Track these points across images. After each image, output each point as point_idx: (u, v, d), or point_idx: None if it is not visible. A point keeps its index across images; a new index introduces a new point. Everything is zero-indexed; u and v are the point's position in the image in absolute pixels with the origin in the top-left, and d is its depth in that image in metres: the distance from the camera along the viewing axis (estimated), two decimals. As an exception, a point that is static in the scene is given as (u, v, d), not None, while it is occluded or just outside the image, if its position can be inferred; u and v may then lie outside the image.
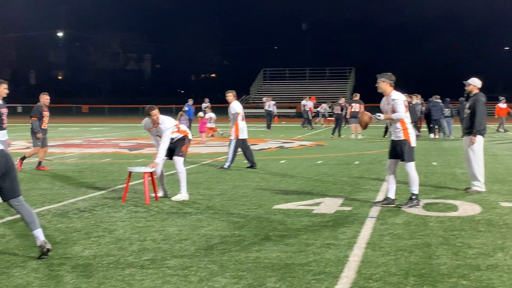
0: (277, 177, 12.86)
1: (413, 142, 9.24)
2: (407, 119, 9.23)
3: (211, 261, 6.24)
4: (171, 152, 10.18)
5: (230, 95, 14.81)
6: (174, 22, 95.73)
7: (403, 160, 9.19)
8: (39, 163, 14.50)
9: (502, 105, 31.62)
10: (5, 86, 11.19)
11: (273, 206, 9.36)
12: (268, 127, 33.45)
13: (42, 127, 14.45)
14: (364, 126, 9.81)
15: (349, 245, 6.82)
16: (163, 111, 10.52)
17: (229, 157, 14.41)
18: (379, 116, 9.39)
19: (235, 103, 14.72)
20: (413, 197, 9.17)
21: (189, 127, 25.22)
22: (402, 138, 9.19)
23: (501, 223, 8.02)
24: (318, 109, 40.82)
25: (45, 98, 14.77)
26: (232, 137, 14.47)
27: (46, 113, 14.60)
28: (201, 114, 25.54)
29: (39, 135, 14.24)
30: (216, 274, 5.80)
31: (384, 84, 9.28)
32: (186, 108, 26.89)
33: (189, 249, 6.75)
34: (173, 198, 9.96)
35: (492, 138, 24.76)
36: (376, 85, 9.34)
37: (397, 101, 9.14)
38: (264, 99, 38.20)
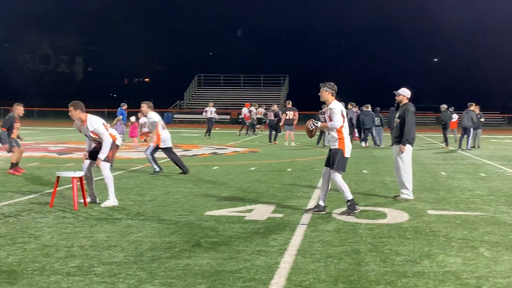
0: (210, 184, 12.81)
1: (347, 153, 9.35)
2: (345, 129, 9.36)
3: (140, 268, 6.14)
4: (94, 154, 9.99)
5: (145, 106, 14.69)
6: (108, 24, 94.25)
7: (332, 168, 9.29)
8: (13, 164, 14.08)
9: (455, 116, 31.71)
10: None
11: (205, 212, 9.30)
12: (208, 133, 32.75)
13: (11, 137, 14.08)
14: (310, 134, 9.87)
15: (280, 252, 6.83)
16: (96, 115, 10.29)
17: (151, 163, 14.47)
18: (316, 123, 9.52)
19: (152, 113, 14.60)
20: (349, 203, 9.29)
21: (124, 132, 24.91)
22: (337, 147, 9.31)
23: (428, 230, 8.19)
24: (258, 115, 40.68)
25: (19, 109, 14.41)
26: (152, 144, 14.52)
27: (17, 125, 14.28)
28: (132, 118, 25.19)
29: (6, 146, 13.79)
30: (144, 281, 5.70)
31: (326, 93, 9.43)
32: (120, 117, 26.21)
33: (118, 256, 6.62)
34: (102, 205, 9.77)
35: (421, 147, 25.39)
36: (319, 94, 9.51)
37: (334, 111, 9.26)
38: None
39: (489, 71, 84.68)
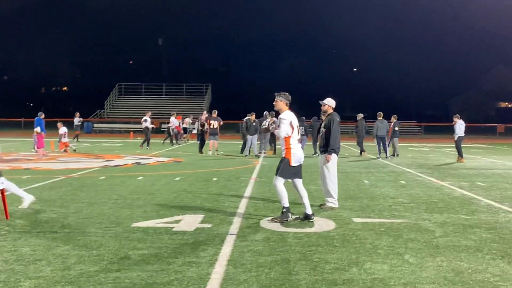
0: (135, 194, 12.64)
1: (294, 162, 9.53)
2: (293, 139, 9.55)
3: (69, 282, 6.00)
4: None
5: None
6: (23, 30, 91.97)
7: (276, 174, 9.49)
8: None
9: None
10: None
11: (132, 224, 9.18)
12: (147, 143, 31.60)
13: None
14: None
15: (210, 263, 6.82)
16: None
17: None
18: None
19: None
20: (284, 209, 9.40)
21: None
22: (284, 155, 9.58)
23: (354, 238, 8.36)
24: (184, 124, 40.43)
25: None
26: None
27: None
28: (37, 129, 24.51)
29: None
30: (74, 296, 5.57)
31: (281, 103, 9.63)
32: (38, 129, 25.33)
33: (45, 270, 6.45)
34: (21, 206, 9.63)
35: (342, 155, 25.88)
36: (273, 103, 9.72)
37: (283, 120, 9.52)
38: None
39: (405, 82, 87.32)
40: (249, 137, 25.49)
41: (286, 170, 9.54)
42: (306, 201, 9.63)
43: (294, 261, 6.96)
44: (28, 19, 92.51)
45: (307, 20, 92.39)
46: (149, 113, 32.71)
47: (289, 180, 9.71)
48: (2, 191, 9.54)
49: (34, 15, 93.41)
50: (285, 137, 9.54)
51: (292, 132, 9.57)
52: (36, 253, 7.18)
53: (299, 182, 9.72)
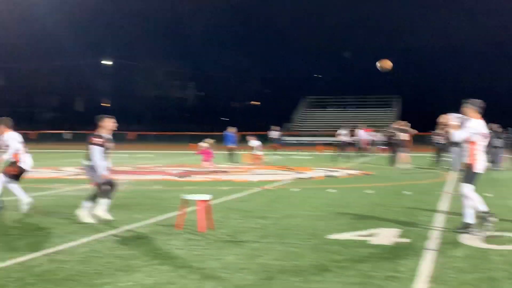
0: (328, 207, 12.78)
1: (478, 169, 9.33)
2: (479, 147, 9.40)
3: (273, 291, 6.23)
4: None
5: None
6: (217, 50, 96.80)
7: (462, 182, 9.42)
8: None
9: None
10: (113, 120, 11.00)
11: (328, 235, 9.30)
12: (344, 156, 32.23)
13: None
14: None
15: (411, 278, 6.72)
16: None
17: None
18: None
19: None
20: (483, 215, 9.37)
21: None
22: (467, 162, 9.46)
23: None
24: (371, 137, 40.12)
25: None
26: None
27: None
28: (203, 144, 25.44)
29: None
30: (280, 304, 5.77)
31: (469, 110, 9.52)
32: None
33: (249, 278, 6.74)
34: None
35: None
36: (461, 110, 9.61)
37: (465, 128, 9.30)
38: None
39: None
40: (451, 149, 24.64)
41: (471, 176, 9.28)
42: (471, 210, 9.26)
43: (501, 280, 6.67)
44: (218, 36, 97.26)
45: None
46: (347, 128, 33.51)
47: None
48: (206, 201, 10.05)
49: (228, 35, 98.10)
50: (470, 143, 9.31)
51: (478, 140, 9.27)
52: (240, 262, 7.53)
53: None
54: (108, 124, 10.84)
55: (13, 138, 11.96)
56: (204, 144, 25.47)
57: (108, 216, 10.63)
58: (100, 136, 10.68)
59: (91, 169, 10.61)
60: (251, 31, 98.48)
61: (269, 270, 7.13)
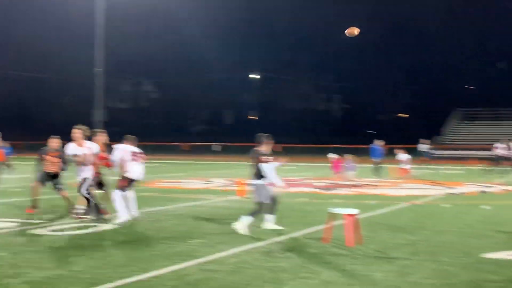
0: (482, 224, 12.20)
1: None
2: None
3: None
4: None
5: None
6: (361, 62, 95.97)
7: None
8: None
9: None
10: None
11: (482, 254, 8.86)
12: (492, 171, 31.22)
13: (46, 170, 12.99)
14: None
15: None
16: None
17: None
18: None
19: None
20: None
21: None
22: None
23: None
24: None
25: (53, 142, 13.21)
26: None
27: (49, 157, 12.97)
28: (333, 155, 24.91)
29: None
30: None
31: None
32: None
33: (399, 296, 6.57)
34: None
35: None
36: None
37: None
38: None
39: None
40: None
41: None
42: None
43: None
44: (363, 48, 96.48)
45: None
46: (505, 141, 32.06)
47: None
48: (354, 215, 9.93)
49: (371, 47, 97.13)
50: None
51: None
52: (390, 279, 7.34)
53: None
54: (268, 144, 11.30)
55: (117, 149, 12.29)
56: (333, 156, 25.27)
57: (279, 227, 11.16)
58: (264, 154, 11.08)
59: (259, 187, 10.99)
60: (397, 41, 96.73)
61: (420, 288, 6.90)
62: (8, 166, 24.45)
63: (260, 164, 10.99)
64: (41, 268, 7.78)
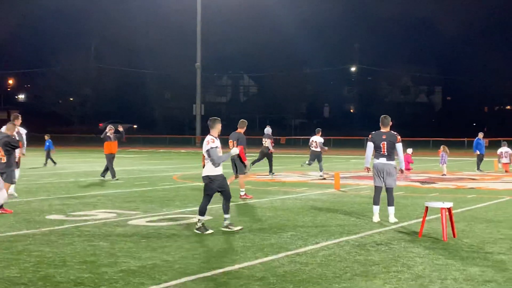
0: None
1: None
2: None
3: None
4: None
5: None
6: (465, 53, 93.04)
7: None
8: None
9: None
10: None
11: None
12: None
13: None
14: None
15: None
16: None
17: None
18: None
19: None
20: None
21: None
22: None
23: None
24: None
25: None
26: None
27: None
28: (409, 150, 23.82)
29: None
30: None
31: None
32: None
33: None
34: None
35: None
36: None
37: None
38: None
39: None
40: None
41: None
42: None
43: None
44: (468, 42, 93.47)
45: None
46: None
47: None
48: (449, 209, 9.68)
49: (479, 37, 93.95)
50: None
51: None
52: (485, 274, 7.11)
53: None
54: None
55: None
56: (408, 151, 24.36)
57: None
58: None
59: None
60: (501, 28, 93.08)
61: (516, 284, 6.64)
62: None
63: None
64: (136, 258, 8.04)
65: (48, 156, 29.32)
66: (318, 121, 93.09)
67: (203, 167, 10.08)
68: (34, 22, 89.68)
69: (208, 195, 10.07)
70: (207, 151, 9.91)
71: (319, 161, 22.18)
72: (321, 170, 22.14)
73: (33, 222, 10.90)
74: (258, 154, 22.87)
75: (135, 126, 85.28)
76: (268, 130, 22.77)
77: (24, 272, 7.24)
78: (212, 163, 9.90)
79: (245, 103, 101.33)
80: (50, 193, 16.29)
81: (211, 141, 9.90)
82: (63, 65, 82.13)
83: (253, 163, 21.86)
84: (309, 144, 22.70)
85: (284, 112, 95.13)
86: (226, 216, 10.18)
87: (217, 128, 10.20)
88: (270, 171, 22.53)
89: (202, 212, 9.99)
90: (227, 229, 10.01)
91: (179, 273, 7.20)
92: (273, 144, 22.49)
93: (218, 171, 10.01)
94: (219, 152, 9.98)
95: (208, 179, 9.99)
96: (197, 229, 9.94)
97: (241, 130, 15.04)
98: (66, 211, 12.68)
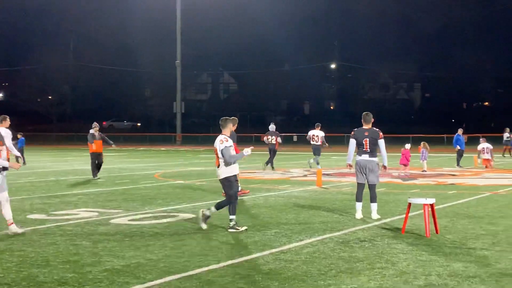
0: None
1: None
2: None
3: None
4: None
5: None
6: (444, 50, 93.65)
7: None
8: None
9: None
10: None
11: None
12: None
13: None
14: None
15: None
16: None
17: None
18: None
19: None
20: None
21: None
22: None
23: None
24: None
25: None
26: None
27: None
28: (407, 146, 24.00)
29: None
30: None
31: None
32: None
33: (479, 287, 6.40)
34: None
35: None
36: None
37: None
38: None
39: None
40: None
41: None
42: None
43: None
44: (448, 37, 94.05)
45: None
46: None
47: None
48: (432, 205, 9.73)
49: (454, 33, 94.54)
50: None
51: None
52: (469, 270, 7.17)
53: None
54: None
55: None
56: (406, 146, 24.47)
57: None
58: None
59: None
60: (478, 26, 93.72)
61: (501, 279, 6.69)
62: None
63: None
64: (120, 257, 8.00)
65: (22, 154, 29.13)
66: (299, 118, 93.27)
67: (218, 167, 10.14)
68: (11, 20, 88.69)
69: (231, 196, 10.08)
70: (221, 150, 9.94)
71: (318, 155, 23.66)
72: (317, 163, 23.44)
73: (14, 221, 10.79)
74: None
75: (138, 124, 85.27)
76: (272, 127, 24.25)
77: (7, 272, 7.18)
78: (224, 163, 9.94)
79: (225, 101, 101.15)
80: (30, 192, 16.16)
81: (225, 140, 10.01)
82: (41, 63, 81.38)
83: (267, 163, 23.57)
84: (309, 138, 23.58)
85: (264, 109, 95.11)
86: (232, 217, 10.13)
87: (228, 128, 10.37)
88: (268, 162, 23.63)
89: (232, 212, 10.05)
90: (233, 230, 9.96)
91: (163, 272, 7.18)
92: (279, 141, 24.11)
93: (235, 170, 10.12)
94: (232, 151, 10.04)
95: (228, 181, 10.05)
96: (230, 227, 9.92)
97: (232, 127, 15.00)
98: (48, 210, 12.60)
